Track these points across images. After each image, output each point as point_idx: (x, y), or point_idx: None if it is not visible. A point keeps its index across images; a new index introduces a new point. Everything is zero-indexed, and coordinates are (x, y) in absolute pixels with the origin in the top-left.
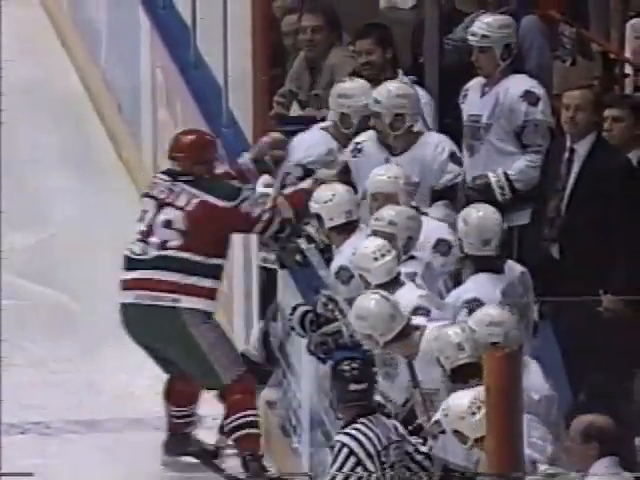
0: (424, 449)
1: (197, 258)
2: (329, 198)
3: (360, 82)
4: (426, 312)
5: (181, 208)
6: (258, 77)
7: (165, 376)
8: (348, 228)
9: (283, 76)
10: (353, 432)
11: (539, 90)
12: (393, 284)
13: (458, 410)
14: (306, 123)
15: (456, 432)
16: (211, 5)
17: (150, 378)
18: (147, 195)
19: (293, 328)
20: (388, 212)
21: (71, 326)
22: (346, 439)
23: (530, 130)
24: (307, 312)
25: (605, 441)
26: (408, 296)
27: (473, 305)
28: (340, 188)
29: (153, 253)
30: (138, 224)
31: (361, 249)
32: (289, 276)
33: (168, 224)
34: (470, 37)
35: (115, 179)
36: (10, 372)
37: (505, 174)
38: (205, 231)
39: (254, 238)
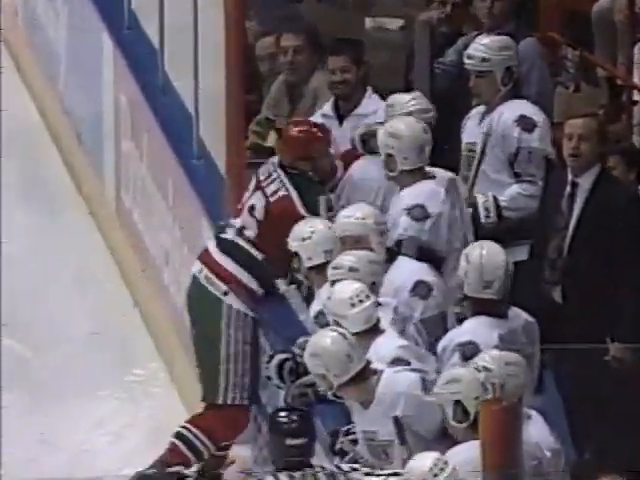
0: None
1: (261, 257)
2: (308, 236)
3: (417, 94)
4: (405, 364)
5: (267, 196)
6: (232, 103)
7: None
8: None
9: (259, 102)
10: None
11: (538, 117)
12: (373, 331)
13: (419, 472)
14: None
15: None
16: (180, 25)
17: (108, 434)
18: (255, 175)
19: (270, 378)
20: (347, 258)
21: (23, 375)
22: None
23: (523, 158)
24: (285, 360)
25: None
26: (388, 345)
27: (467, 349)
28: (320, 225)
29: (229, 235)
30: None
31: (337, 294)
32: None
33: (251, 209)
34: (467, 61)
35: (74, 216)
36: None
37: (495, 198)
38: (276, 228)
39: None
